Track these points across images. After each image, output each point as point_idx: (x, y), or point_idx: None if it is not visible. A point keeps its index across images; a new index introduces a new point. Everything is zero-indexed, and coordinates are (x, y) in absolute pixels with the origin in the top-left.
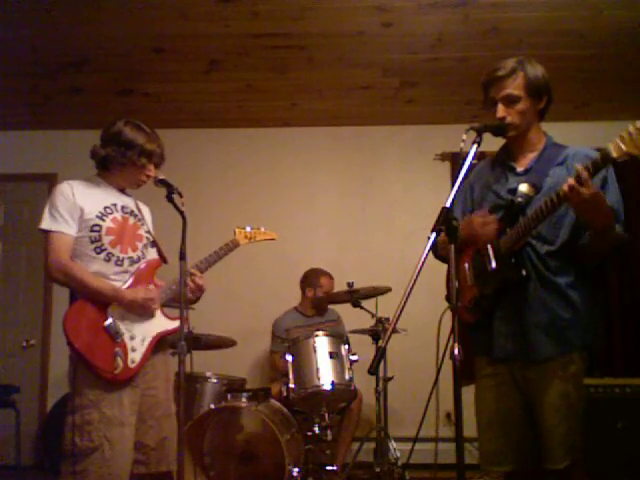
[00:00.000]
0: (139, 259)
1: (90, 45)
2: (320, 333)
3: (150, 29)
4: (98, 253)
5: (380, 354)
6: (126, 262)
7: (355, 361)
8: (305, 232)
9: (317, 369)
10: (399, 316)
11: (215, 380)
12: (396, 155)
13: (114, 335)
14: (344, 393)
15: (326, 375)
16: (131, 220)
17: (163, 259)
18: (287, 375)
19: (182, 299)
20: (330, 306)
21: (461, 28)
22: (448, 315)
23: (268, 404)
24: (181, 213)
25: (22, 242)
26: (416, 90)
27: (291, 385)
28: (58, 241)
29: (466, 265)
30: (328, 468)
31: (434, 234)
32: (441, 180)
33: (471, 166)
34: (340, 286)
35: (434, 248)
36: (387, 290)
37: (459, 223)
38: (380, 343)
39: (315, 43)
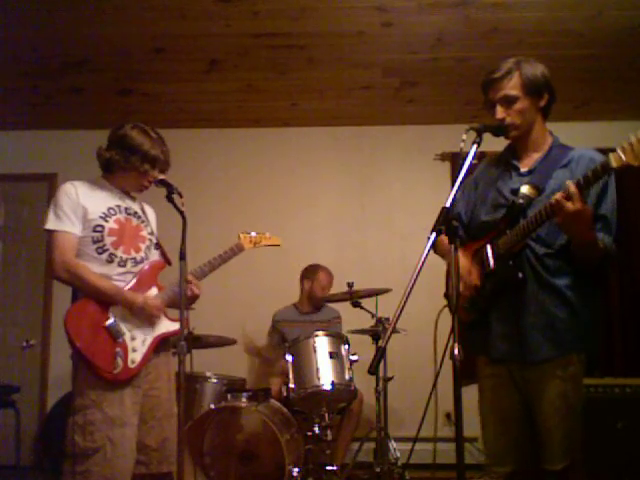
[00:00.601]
0: (142, 260)
1: (90, 45)
2: (320, 333)
3: (150, 29)
4: (100, 254)
5: (380, 354)
6: (129, 263)
7: (355, 361)
8: (305, 232)
9: (317, 369)
10: (399, 316)
11: (215, 380)
12: (396, 155)
13: (115, 335)
14: (344, 393)
15: (326, 375)
16: (134, 221)
17: (167, 261)
18: (286, 374)
19: (182, 299)
20: (330, 305)
21: (461, 28)
22: (445, 314)
23: (268, 404)
24: (181, 213)
25: (22, 242)
26: (416, 90)
27: (291, 385)
28: (63, 240)
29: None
30: (328, 468)
31: (434, 234)
32: (441, 180)
33: (471, 166)
34: (340, 286)
35: (434, 246)
36: (386, 291)
37: (459, 221)
38: (380, 343)
39: (315, 43)
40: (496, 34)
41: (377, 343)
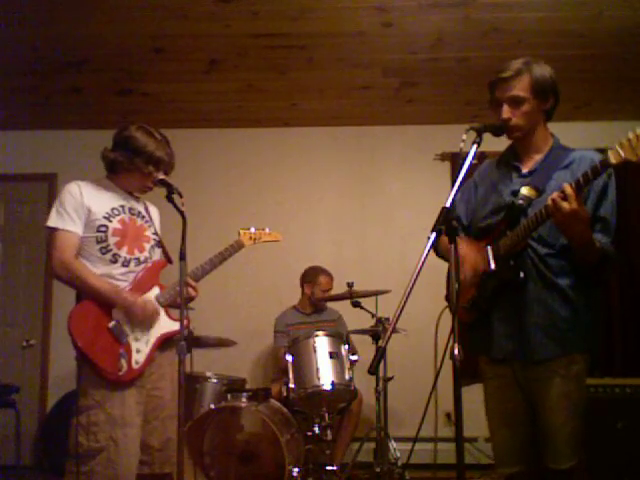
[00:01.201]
0: (146, 260)
1: (90, 45)
2: (320, 333)
3: (150, 29)
4: (104, 254)
5: (380, 354)
6: (133, 263)
7: (355, 361)
8: (305, 232)
9: (317, 369)
10: (399, 316)
11: (215, 380)
12: (396, 155)
13: (118, 336)
14: (344, 393)
15: (326, 375)
16: (138, 222)
17: (168, 259)
18: (288, 374)
19: (182, 299)
20: (331, 305)
21: (461, 28)
22: (446, 315)
23: (268, 404)
24: (181, 213)
25: (22, 242)
26: (416, 90)
27: (291, 385)
28: (64, 239)
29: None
30: (328, 468)
31: (434, 234)
32: (441, 180)
33: (471, 166)
34: (340, 286)
35: (435, 246)
36: (386, 292)
37: (459, 223)
38: (380, 343)
39: (315, 43)
40: (496, 34)
41: (377, 343)
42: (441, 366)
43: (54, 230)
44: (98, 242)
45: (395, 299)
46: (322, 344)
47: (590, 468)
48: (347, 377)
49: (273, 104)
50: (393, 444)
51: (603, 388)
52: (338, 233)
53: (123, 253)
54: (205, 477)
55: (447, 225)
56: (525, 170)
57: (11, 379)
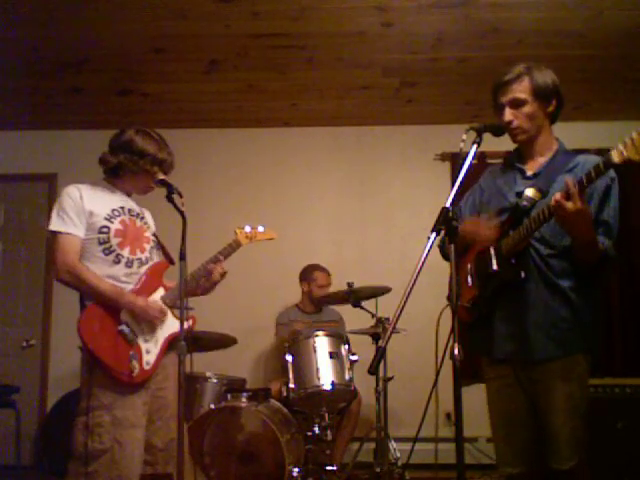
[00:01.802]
0: (147, 260)
1: (90, 45)
2: (320, 333)
3: (150, 29)
4: (107, 255)
5: (380, 354)
6: (135, 263)
7: (355, 361)
8: (305, 232)
9: (317, 369)
10: (399, 316)
11: (215, 380)
12: (396, 155)
13: (129, 338)
14: (344, 393)
15: (326, 375)
16: (138, 223)
17: (170, 260)
18: (288, 374)
19: (182, 299)
20: (332, 306)
21: (461, 28)
22: (446, 314)
23: (268, 404)
24: (181, 213)
25: (22, 242)
26: (416, 90)
27: (291, 385)
28: (66, 242)
29: (469, 266)
30: (328, 468)
31: (434, 234)
32: (441, 180)
33: (471, 166)
34: (340, 286)
35: (442, 249)
36: (387, 290)
37: (460, 223)
38: (380, 343)
39: (315, 43)
40: (496, 34)
41: (377, 343)
42: (441, 366)
43: (56, 234)
44: (101, 243)
45: (395, 299)
46: (322, 344)
47: (590, 468)
48: (347, 377)
49: (273, 104)
50: (393, 444)
51: (603, 388)
52: (338, 233)
53: (126, 254)
54: (205, 477)
55: (447, 225)
56: (530, 173)
57: (11, 379)
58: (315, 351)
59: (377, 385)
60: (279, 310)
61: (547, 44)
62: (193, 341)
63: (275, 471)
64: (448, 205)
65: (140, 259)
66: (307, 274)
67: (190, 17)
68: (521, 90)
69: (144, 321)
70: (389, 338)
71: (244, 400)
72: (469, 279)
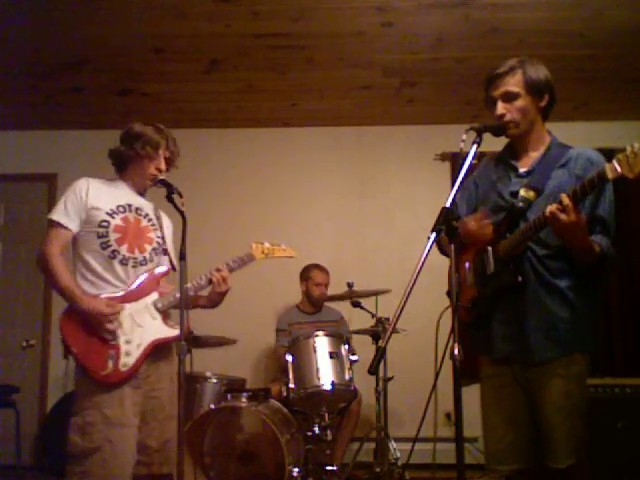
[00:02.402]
0: (145, 261)
1: (90, 45)
2: (320, 333)
3: (150, 29)
4: (104, 249)
5: (380, 354)
6: (130, 262)
7: (355, 361)
8: (305, 232)
9: (317, 369)
10: (399, 316)
11: (215, 380)
12: (396, 155)
13: (108, 338)
14: (344, 393)
15: (326, 375)
16: (143, 222)
17: (172, 267)
18: (288, 374)
19: (182, 299)
20: (333, 306)
21: (461, 28)
22: (447, 315)
23: (268, 404)
24: (181, 213)
25: (22, 242)
26: (416, 90)
27: (291, 385)
28: (55, 233)
29: (467, 265)
30: (328, 468)
31: (434, 234)
32: (441, 180)
33: (471, 166)
34: (340, 286)
35: (439, 243)
36: (386, 292)
37: (459, 223)
38: (380, 343)
39: (315, 43)
40: (496, 34)
41: (377, 343)
42: (441, 366)
43: (50, 222)
44: (99, 237)
45: (395, 299)
46: (322, 344)
47: (590, 468)
48: (347, 377)
49: (273, 104)
50: (393, 444)
51: (603, 388)
52: (338, 233)
53: (123, 251)
54: (205, 477)
55: (447, 225)
56: (523, 169)
57: (11, 379)
58: (315, 351)
59: (377, 385)
60: (279, 310)
61: (547, 44)
62: (191, 341)
63: (275, 471)
64: (448, 205)
65: (136, 258)
66: (305, 273)
67: (190, 17)
68: (514, 83)
69: (98, 324)
70: (389, 338)
71: (244, 400)
72: (468, 278)
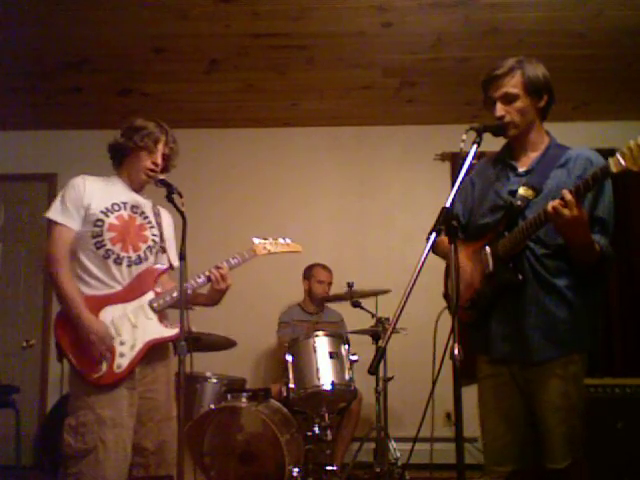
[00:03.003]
0: (140, 260)
1: (90, 45)
2: (320, 333)
3: (150, 29)
4: (98, 248)
5: (380, 354)
6: (125, 261)
7: (355, 361)
8: (305, 232)
9: (317, 369)
10: (399, 316)
11: (215, 380)
12: (396, 155)
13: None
14: (344, 393)
15: (326, 375)
16: (138, 220)
17: (170, 265)
18: (288, 374)
19: (182, 299)
20: (333, 307)
21: (461, 28)
22: (445, 315)
23: (268, 404)
24: (181, 213)
25: (22, 242)
26: (416, 90)
27: (291, 385)
28: (59, 234)
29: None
30: (328, 468)
31: (434, 234)
32: (441, 180)
33: (471, 166)
34: (340, 286)
35: (434, 244)
36: (386, 292)
37: (459, 223)
38: (380, 343)
39: (315, 43)
40: (496, 34)
41: (377, 343)
42: (441, 366)
43: (51, 222)
44: (94, 237)
45: (395, 299)
46: (322, 344)
47: (590, 468)
48: (347, 377)
49: (273, 104)
50: (393, 444)
51: (603, 388)
52: (338, 233)
53: (117, 250)
54: (205, 477)
55: (447, 225)
56: (522, 169)
57: (11, 379)
58: (315, 351)
59: (377, 385)
60: (279, 310)
61: (547, 44)
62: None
63: (275, 471)
64: (448, 205)
65: (130, 257)
66: (308, 271)
67: (190, 17)
68: (513, 85)
69: (89, 343)
70: (389, 338)
71: (244, 400)
72: (475, 277)
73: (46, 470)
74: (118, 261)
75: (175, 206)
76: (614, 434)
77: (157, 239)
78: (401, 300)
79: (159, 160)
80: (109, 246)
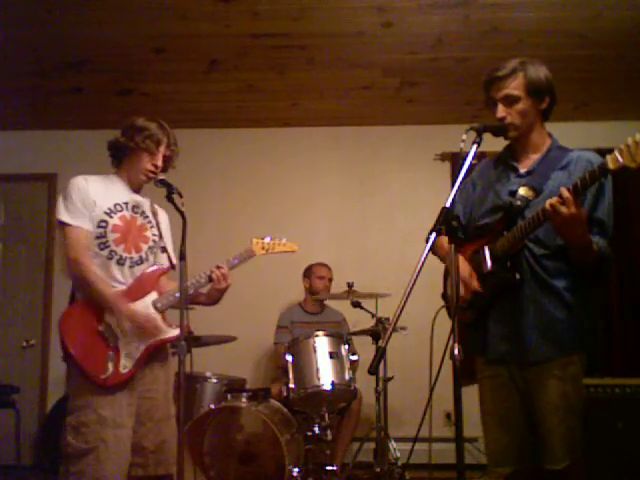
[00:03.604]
0: (141, 261)
1: (90, 45)
2: (320, 333)
3: (150, 29)
4: (102, 249)
5: (380, 354)
6: (127, 262)
7: (355, 361)
8: (305, 232)
9: (317, 369)
10: (399, 316)
11: (215, 380)
12: (396, 155)
13: (108, 339)
14: (344, 393)
15: (326, 375)
16: (139, 220)
17: (171, 265)
18: (288, 374)
19: (182, 299)
20: (334, 307)
21: (461, 28)
22: (442, 314)
23: (268, 404)
24: (181, 213)
25: (22, 242)
26: (416, 90)
27: (291, 385)
28: (73, 237)
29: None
30: (328, 468)
31: (434, 234)
32: (441, 180)
33: (471, 166)
34: (340, 286)
35: (432, 246)
36: (386, 295)
37: (459, 223)
38: (380, 343)
39: (315, 43)
40: (496, 34)
41: (377, 343)
42: (441, 366)
43: (64, 225)
44: (97, 237)
45: (395, 299)
46: (322, 344)
47: (590, 468)
48: (347, 377)
49: (273, 104)
50: (393, 444)
51: (603, 388)
52: (338, 233)
53: (120, 251)
54: (205, 477)
55: (447, 225)
56: (523, 170)
57: (11, 379)
58: (315, 351)
59: (377, 385)
60: (279, 310)
61: (547, 44)
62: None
63: (275, 471)
64: (448, 205)
65: (132, 258)
66: (307, 270)
67: (190, 17)
68: (515, 86)
69: (130, 328)
70: (389, 338)
71: (244, 400)
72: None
73: (46, 470)
74: (121, 262)
75: (175, 206)
76: (614, 434)
77: (157, 239)
78: (401, 300)
79: (160, 162)
80: (113, 247)
